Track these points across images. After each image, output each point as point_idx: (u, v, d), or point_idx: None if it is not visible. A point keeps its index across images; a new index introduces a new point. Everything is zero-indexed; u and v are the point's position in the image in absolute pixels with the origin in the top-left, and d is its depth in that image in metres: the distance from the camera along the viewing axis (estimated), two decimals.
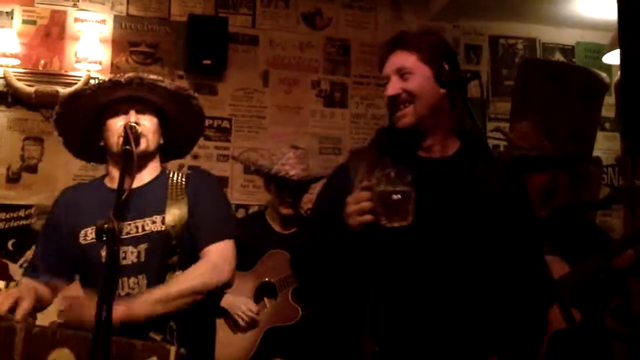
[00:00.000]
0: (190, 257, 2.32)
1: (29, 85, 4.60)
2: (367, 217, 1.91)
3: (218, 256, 2.31)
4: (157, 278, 2.26)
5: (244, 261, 3.42)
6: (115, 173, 2.40)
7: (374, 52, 5.16)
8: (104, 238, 1.90)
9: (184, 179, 2.41)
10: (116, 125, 2.34)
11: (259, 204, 4.89)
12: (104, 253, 2.25)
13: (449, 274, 2.02)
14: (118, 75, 2.33)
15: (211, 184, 2.51)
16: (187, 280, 2.25)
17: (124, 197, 2.11)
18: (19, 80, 4.59)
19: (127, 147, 2.23)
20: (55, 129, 2.47)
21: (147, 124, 2.36)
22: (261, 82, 5.09)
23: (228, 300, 3.45)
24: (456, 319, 2.00)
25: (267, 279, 3.54)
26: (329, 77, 5.20)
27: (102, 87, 2.33)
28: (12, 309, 2.05)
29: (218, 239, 2.34)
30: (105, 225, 1.90)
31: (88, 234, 2.33)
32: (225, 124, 4.99)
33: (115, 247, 1.92)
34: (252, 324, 3.46)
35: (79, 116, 2.41)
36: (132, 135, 2.24)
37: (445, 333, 2.00)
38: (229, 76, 5.01)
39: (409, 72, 2.10)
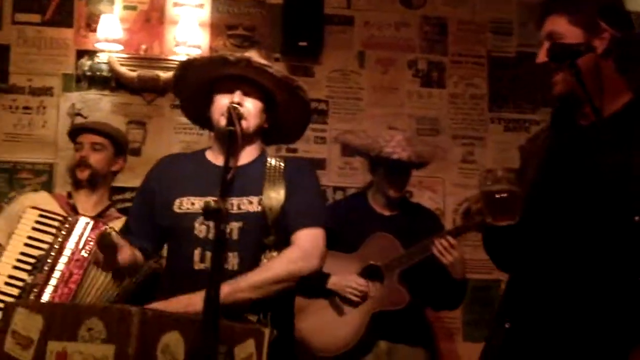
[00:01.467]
0: (285, 239, 2.35)
1: (131, 70, 4.70)
2: (478, 218, 1.94)
3: (309, 243, 2.33)
4: (252, 257, 2.30)
5: (345, 243, 3.42)
6: (217, 148, 2.46)
7: (472, 29, 5.04)
8: (210, 215, 1.93)
9: (282, 164, 2.44)
10: (221, 102, 2.39)
11: (356, 186, 4.85)
12: (197, 224, 2.32)
13: (587, 254, 1.92)
14: (229, 53, 2.35)
15: (308, 172, 2.54)
16: (283, 266, 2.27)
17: (229, 176, 2.14)
18: (122, 65, 4.69)
19: (231, 127, 2.26)
20: (174, 93, 2.62)
21: (250, 106, 2.39)
22: (357, 63, 5.03)
23: (336, 281, 3.42)
24: (590, 298, 1.91)
25: (372, 262, 3.50)
26: (426, 56, 5.09)
27: (213, 61, 2.39)
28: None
29: (309, 226, 2.36)
30: (213, 205, 1.92)
31: (183, 204, 2.37)
32: (322, 105, 4.97)
33: (223, 227, 1.93)
34: (364, 297, 3.42)
35: (192, 85, 2.47)
36: (235, 115, 2.26)
37: (579, 313, 1.92)
38: (325, 58, 4.98)
39: (560, 37, 2.00)
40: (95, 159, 3.22)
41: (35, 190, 4.45)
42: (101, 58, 4.73)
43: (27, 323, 1.87)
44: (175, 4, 4.85)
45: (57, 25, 4.76)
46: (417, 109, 5.05)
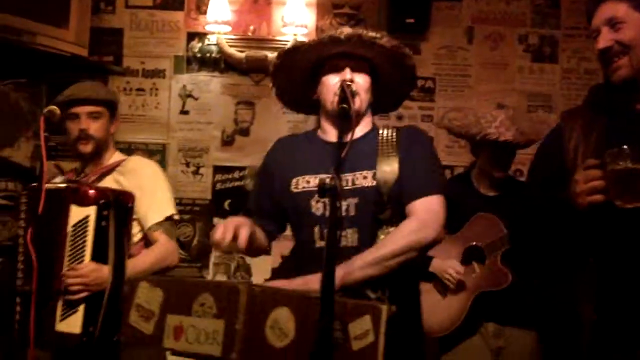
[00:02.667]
0: (401, 213, 2.30)
1: (240, 51, 4.76)
2: (598, 197, 1.82)
3: (426, 212, 2.27)
4: (369, 233, 2.27)
5: (449, 224, 3.37)
6: (329, 128, 2.45)
7: (586, 1, 4.83)
8: (326, 192, 1.92)
9: (394, 134, 2.40)
10: (331, 82, 2.36)
11: (464, 164, 4.78)
12: (314, 202, 2.33)
13: None
14: (338, 31, 2.32)
15: (422, 139, 2.48)
16: (398, 240, 2.23)
17: (343, 154, 2.12)
18: (231, 46, 4.76)
19: (344, 105, 2.24)
20: (272, 80, 2.53)
21: (361, 82, 2.37)
22: (465, 39, 4.93)
23: (436, 264, 3.43)
24: None
25: (474, 243, 3.46)
26: (538, 30, 4.93)
27: (321, 43, 2.35)
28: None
29: (426, 194, 2.30)
30: (328, 183, 1.92)
31: (299, 183, 2.38)
32: (429, 83, 4.90)
33: (338, 204, 1.93)
34: (460, 286, 3.40)
35: (295, 70, 2.46)
36: (349, 93, 2.24)
37: None
38: (432, 34, 4.91)
39: (621, 22, 1.98)
40: (95, 128, 3.10)
41: None
42: (211, 40, 4.83)
43: (149, 296, 1.92)
44: None
45: (169, 8, 4.88)
46: (528, 85, 4.91)
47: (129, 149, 4.81)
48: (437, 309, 3.41)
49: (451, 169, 4.82)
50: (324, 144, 2.43)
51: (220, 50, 4.79)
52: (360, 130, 2.41)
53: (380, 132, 2.42)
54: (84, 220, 2.71)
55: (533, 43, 4.93)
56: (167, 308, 1.86)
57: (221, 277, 4.68)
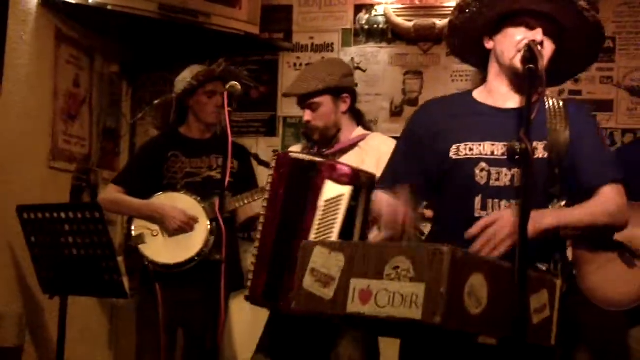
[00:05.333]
0: (571, 188, 2.20)
1: (407, 20, 4.70)
2: None
3: (621, 200, 2.21)
4: (539, 207, 2.12)
5: (636, 191, 3.18)
6: (497, 86, 2.31)
7: None
8: (516, 158, 1.85)
9: (561, 106, 2.27)
10: (516, 36, 2.22)
11: None
12: (477, 171, 2.21)
13: None
14: None
15: (593, 119, 2.40)
16: (603, 215, 2.16)
17: (533, 116, 2.04)
18: (398, 16, 4.71)
19: (532, 65, 2.11)
20: (451, 19, 2.38)
21: (548, 48, 2.22)
22: None
23: (624, 233, 3.22)
24: None
25: None
26: None
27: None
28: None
29: (615, 181, 2.21)
30: (518, 146, 1.85)
31: (460, 150, 2.25)
32: (609, 43, 4.61)
33: (530, 168, 1.85)
34: None
35: (482, 17, 2.30)
36: (538, 54, 2.12)
37: None
38: None
39: None
40: (315, 118, 3.17)
41: None
42: (378, 11, 4.80)
43: (327, 261, 1.90)
44: None
45: None
46: None
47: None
48: (621, 282, 3.23)
49: (634, 132, 4.54)
50: (486, 108, 2.30)
51: (388, 21, 4.75)
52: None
53: (547, 101, 2.29)
54: (338, 198, 2.73)
55: None
56: (351, 272, 1.83)
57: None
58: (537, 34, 2.19)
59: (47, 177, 4.20)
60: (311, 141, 3.28)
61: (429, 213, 2.43)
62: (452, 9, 4.48)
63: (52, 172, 4.23)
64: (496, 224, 2.02)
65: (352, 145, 3.22)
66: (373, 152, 3.12)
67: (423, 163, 2.33)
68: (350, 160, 3.09)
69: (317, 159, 2.86)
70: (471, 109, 2.33)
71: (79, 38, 4.45)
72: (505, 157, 2.11)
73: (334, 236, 2.71)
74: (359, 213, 2.73)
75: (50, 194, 4.09)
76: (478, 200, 2.21)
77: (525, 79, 2.12)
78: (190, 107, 3.82)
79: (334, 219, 2.71)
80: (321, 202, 2.73)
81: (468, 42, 2.40)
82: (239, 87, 2.87)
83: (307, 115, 3.19)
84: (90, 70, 4.60)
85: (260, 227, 2.87)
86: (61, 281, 3.08)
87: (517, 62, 2.19)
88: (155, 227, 3.62)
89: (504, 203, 2.17)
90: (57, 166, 4.27)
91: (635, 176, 3.17)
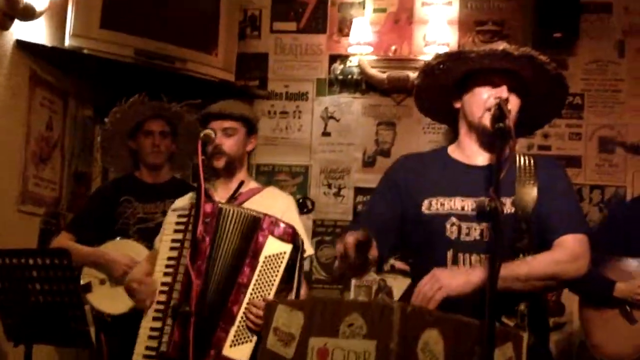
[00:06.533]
0: (538, 242, 2.22)
1: (382, 72, 4.78)
2: None
3: (578, 248, 2.20)
4: (507, 260, 2.12)
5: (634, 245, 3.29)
6: (468, 144, 2.34)
7: None
8: (485, 215, 1.88)
9: (531, 162, 2.30)
10: (482, 94, 2.26)
11: (615, 184, 4.59)
12: (448, 225, 2.23)
13: None
14: (512, 47, 2.22)
15: (563, 172, 2.40)
16: (550, 264, 2.16)
17: (502, 176, 2.06)
18: (372, 67, 4.79)
19: (500, 124, 2.15)
20: (418, 80, 2.41)
21: (514, 103, 2.26)
22: (616, 53, 4.73)
23: (622, 288, 3.30)
24: None
25: None
26: None
27: (491, 54, 2.25)
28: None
29: (575, 231, 2.22)
30: (488, 203, 1.87)
31: (433, 204, 2.28)
32: (577, 100, 4.72)
33: (498, 225, 1.87)
34: None
35: (447, 74, 2.34)
36: (506, 111, 2.16)
37: None
38: (581, 48, 4.74)
39: None
40: (229, 144, 2.99)
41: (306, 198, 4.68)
42: (352, 61, 4.87)
43: (288, 320, 1.89)
44: (424, 4, 4.87)
45: (312, 32, 4.97)
46: None
47: (272, 172, 4.92)
48: (625, 336, 3.30)
49: (601, 188, 4.62)
50: (458, 165, 2.34)
51: (362, 72, 4.83)
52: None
53: (518, 157, 2.32)
54: (280, 255, 2.68)
55: None
56: (310, 330, 1.83)
57: (364, 300, 4.66)
58: (503, 92, 2.23)
59: (16, 220, 4.13)
60: (212, 170, 3.05)
61: (400, 265, 2.45)
62: (425, 62, 4.64)
63: (20, 215, 4.17)
64: (430, 281, 2.06)
65: (253, 195, 3.06)
66: (275, 207, 2.97)
67: (398, 210, 2.36)
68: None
69: (261, 213, 2.78)
70: (444, 165, 2.37)
71: (54, 81, 4.43)
72: (474, 212, 2.20)
73: (272, 294, 2.66)
74: (296, 273, 2.72)
75: (18, 237, 4.02)
76: (449, 254, 2.23)
77: (495, 137, 2.17)
78: (135, 150, 3.78)
79: (274, 277, 2.67)
80: (262, 258, 2.71)
81: (436, 102, 2.44)
82: (212, 135, 2.85)
83: (219, 139, 2.97)
84: (63, 114, 4.57)
85: (178, 277, 2.70)
86: (26, 329, 3.01)
87: (486, 121, 2.22)
88: (103, 275, 3.55)
89: (474, 257, 2.20)
90: (26, 209, 4.21)
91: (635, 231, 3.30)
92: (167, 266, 2.75)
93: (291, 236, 2.72)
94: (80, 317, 2.94)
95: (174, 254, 2.75)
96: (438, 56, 2.35)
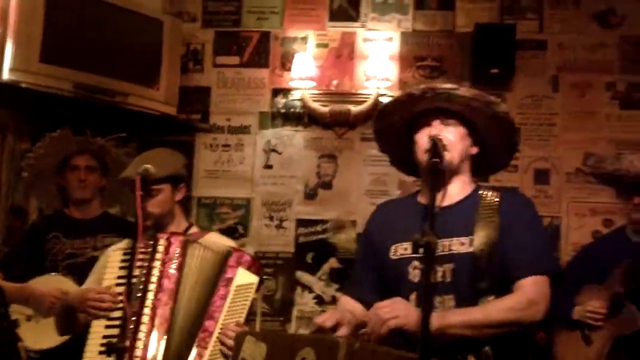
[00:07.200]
0: (501, 282, 2.21)
1: (323, 106, 4.83)
2: None
3: (535, 292, 2.18)
4: (467, 301, 2.18)
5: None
6: (425, 188, 2.37)
7: None
8: (420, 251, 1.90)
9: (497, 199, 2.29)
10: (422, 138, 2.29)
11: (550, 215, 4.70)
12: (411, 269, 2.27)
13: None
14: (415, 87, 2.30)
15: (528, 207, 2.35)
16: (506, 312, 2.15)
17: (436, 209, 2.08)
18: (315, 101, 4.84)
19: (434, 160, 2.17)
20: (375, 129, 2.50)
21: (450, 135, 2.28)
22: (550, 88, 4.87)
23: (577, 310, 3.43)
24: None
25: (616, 290, 3.39)
26: (626, 77, 4.83)
27: (400, 101, 2.33)
28: (333, 329, 2.12)
29: (536, 272, 2.20)
30: (422, 239, 1.90)
31: (398, 250, 2.32)
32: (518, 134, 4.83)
33: (432, 260, 1.90)
34: (605, 321, 3.37)
35: (391, 132, 2.44)
36: (440, 146, 2.20)
37: None
38: (517, 84, 4.87)
39: None
40: (153, 205, 2.93)
41: (237, 223, 4.67)
42: (295, 95, 4.91)
43: (253, 350, 1.94)
44: (365, 39, 4.96)
45: (254, 66, 5.01)
46: (617, 133, 4.79)
47: (213, 204, 4.91)
48: (583, 358, 3.41)
49: None
50: (420, 207, 2.34)
51: (304, 105, 4.87)
52: (460, 191, 2.34)
53: (482, 194, 2.32)
54: (249, 286, 2.71)
55: (621, 90, 4.83)
56: None
57: (304, 332, 4.66)
58: (434, 128, 2.27)
59: None
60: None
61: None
62: (366, 96, 4.73)
63: None
64: (389, 306, 2.09)
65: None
66: None
67: (376, 266, 2.40)
68: None
69: (229, 245, 2.85)
70: (412, 210, 2.38)
71: None
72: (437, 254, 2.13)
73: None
74: (258, 304, 2.75)
75: None
76: (413, 297, 2.24)
77: (429, 173, 2.20)
78: (63, 185, 3.75)
79: (243, 308, 2.70)
80: (232, 288, 2.72)
81: (395, 145, 2.50)
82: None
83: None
84: (0, 147, 4.50)
85: (148, 311, 2.69)
86: None
87: (427, 160, 2.23)
88: (30, 312, 3.47)
89: (437, 298, 2.20)
90: None
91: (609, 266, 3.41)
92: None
93: (258, 268, 2.78)
94: (14, 354, 2.87)
95: (120, 289, 2.71)
96: (374, 122, 2.47)
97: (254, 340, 1.95)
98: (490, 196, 2.31)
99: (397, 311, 2.06)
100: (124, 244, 2.91)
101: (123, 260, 2.78)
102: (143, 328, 2.67)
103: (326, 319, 2.14)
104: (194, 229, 3.10)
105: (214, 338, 2.62)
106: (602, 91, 4.84)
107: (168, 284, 2.71)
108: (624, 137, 4.77)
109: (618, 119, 4.81)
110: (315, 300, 4.81)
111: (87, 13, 4.35)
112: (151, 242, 2.77)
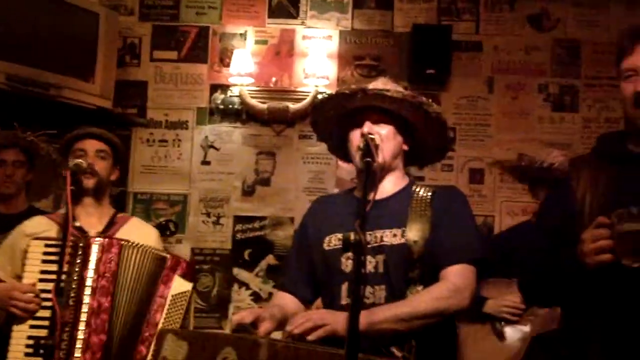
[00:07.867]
0: (431, 272, 2.25)
1: (262, 102, 4.83)
2: (606, 257, 1.78)
3: (460, 280, 2.22)
4: (399, 291, 2.22)
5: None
6: (359, 183, 2.42)
7: (607, 51, 4.85)
8: (350, 249, 1.92)
9: (429, 194, 2.33)
10: (355, 137, 2.34)
11: (484, 214, 4.79)
12: (344, 259, 2.29)
13: None
14: (345, 87, 2.34)
15: (459, 201, 2.39)
16: (429, 301, 2.18)
17: (368, 209, 2.11)
18: (253, 97, 4.83)
19: (367, 159, 2.20)
20: (312, 122, 2.56)
21: (382, 132, 2.32)
22: (486, 89, 4.97)
23: (491, 304, 3.43)
24: None
25: None
26: (558, 80, 4.96)
27: (332, 99, 2.38)
28: (253, 325, 2.13)
29: (461, 261, 2.24)
30: (352, 237, 1.91)
31: (332, 241, 2.35)
32: (449, 133, 4.90)
33: (362, 258, 1.92)
34: (521, 315, 3.40)
35: (326, 124, 2.48)
36: (372, 146, 2.23)
37: None
38: (453, 85, 4.95)
39: None
40: (100, 166, 2.95)
41: (169, 220, 4.62)
42: (233, 92, 4.89)
43: (174, 349, 1.92)
44: (304, 37, 4.97)
45: (192, 61, 4.97)
46: (549, 134, 4.92)
47: (150, 200, 4.86)
48: (494, 354, 3.40)
49: None
50: (357, 201, 2.37)
51: (243, 102, 4.85)
52: (395, 185, 2.38)
53: (416, 189, 2.37)
54: (185, 294, 2.74)
55: (553, 92, 4.96)
56: None
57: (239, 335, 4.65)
58: (365, 127, 2.30)
59: None
60: (81, 190, 2.92)
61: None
62: (305, 94, 4.74)
63: None
64: (320, 315, 2.11)
65: (124, 223, 3.07)
66: (141, 239, 2.92)
67: (309, 258, 2.43)
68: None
69: (165, 253, 2.83)
70: (347, 203, 2.42)
71: None
72: (368, 246, 2.17)
73: None
74: (191, 310, 2.75)
75: None
76: (344, 287, 2.27)
77: (362, 171, 2.23)
78: None
79: (179, 314, 2.71)
80: (169, 296, 2.72)
81: (331, 136, 2.54)
82: (84, 164, 2.81)
83: (92, 159, 2.93)
84: None
85: (83, 317, 2.66)
86: None
87: (359, 160, 2.28)
88: None
89: (368, 289, 2.21)
90: None
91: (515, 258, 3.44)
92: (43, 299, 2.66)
93: (192, 275, 2.80)
94: None
95: (46, 285, 2.65)
96: (310, 117, 2.53)
97: (175, 339, 1.93)
98: (424, 191, 2.35)
99: (325, 319, 2.07)
100: (46, 233, 2.84)
101: (46, 253, 2.71)
102: (80, 335, 2.63)
103: (244, 316, 2.14)
104: (121, 213, 3.11)
105: (151, 348, 2.61)
106: (535, 93, 4.96)
107: (103, 289, 2.67)
108: (555, 138, 4.88)
109: (550, 120, 4.94)
110: (252, 297, 4.81)
111: (21, 4, 4.25)
112: (81, 245, 2.71)
